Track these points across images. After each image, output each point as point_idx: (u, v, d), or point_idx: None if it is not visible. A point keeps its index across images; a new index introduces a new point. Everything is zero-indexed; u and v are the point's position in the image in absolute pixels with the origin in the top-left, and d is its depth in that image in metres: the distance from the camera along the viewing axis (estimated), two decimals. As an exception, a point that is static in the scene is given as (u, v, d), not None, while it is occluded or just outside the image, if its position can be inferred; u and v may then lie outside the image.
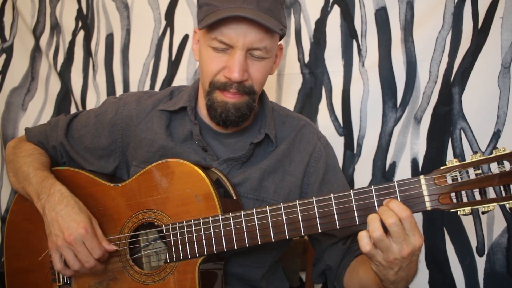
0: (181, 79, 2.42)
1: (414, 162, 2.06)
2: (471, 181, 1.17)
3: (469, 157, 1.18)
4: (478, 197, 1.17)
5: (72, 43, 2.60)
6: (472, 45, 1.93)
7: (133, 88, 2.49)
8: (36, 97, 2.67)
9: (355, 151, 2.17)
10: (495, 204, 1.15)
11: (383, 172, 2.11)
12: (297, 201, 1.33)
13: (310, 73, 2.25)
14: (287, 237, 1.35)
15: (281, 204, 1.35)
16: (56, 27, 2.63)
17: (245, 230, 1.38)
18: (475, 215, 1.93)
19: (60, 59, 2.61)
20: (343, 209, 1.29)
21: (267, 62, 1.51)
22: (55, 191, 1.50)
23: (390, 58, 2.11)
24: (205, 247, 1.42)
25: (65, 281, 1.58)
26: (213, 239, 1.41)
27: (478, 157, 1.17)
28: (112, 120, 1.66)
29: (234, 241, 1.39)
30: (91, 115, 1.71)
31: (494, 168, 1.15)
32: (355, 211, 1.27)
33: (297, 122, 1.68)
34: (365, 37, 2.16)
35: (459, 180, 1.19)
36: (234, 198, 1.51)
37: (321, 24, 2.22)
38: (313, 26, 2.23)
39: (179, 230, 1.45)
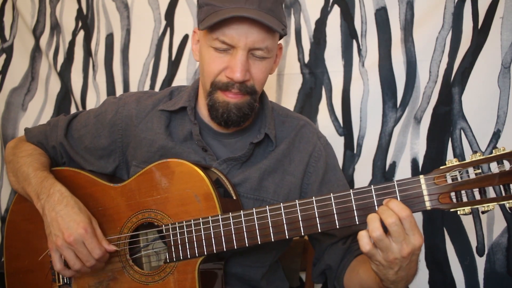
0: (181, 79, 2.42)
1: (414, 162, 2.06)
2: (471, 181, 1.17)
3: (469, 156, 1.18)
4: (478, 196, 1.17)
5: (72, 43, 2.60)
6: (472, 45, 1.93)
7: (133, 88, 2.49)
8: (36, 97, 2.67)
9: (355, 151, 2.17)
10: (495, 203, 1.15)
11: (383, 172, 2.11)
12: (296, 201, 1.33)
13: (310, 73, 2.25)
14: (287, 237, 1.35)
15: (281, 204, 1.35)
16: (56, 27, 2.63)
17: (245, 230, 1.38)
18: (475, 215, 1.93)
19: (60, 59, 2.61)
20: (343, 208, 1.28)
21: (268, 62, 1.51)
22: (55, 191, 1.50)
23: (390, 58, 2.11)
24: (204, 247, 1.42)
25: (65, 281, 1.58)
26: (213, 239, 1.41)
27: (478, 156, 1.17)
28: (112, 120, 1.66)
29: (234, 241, 1.39)
30: (91, 115, 1.71)
31: (494, 167, 1.15)
32: (355, 211, 1.27)
33: (297, 122, 1.68)
34: (365, 37, 2.15)
35: (459, 179, 1.18)
36: (234, 198, 1.51)
37: (321, 24, 2.22)
38: (313, 26, 2.23)
39: (179, 230, 1.45)
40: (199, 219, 1.42)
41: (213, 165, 1.56)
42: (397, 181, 1.24)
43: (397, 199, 1.22)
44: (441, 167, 1.20)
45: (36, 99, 2.67)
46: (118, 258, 1.53)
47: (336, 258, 1.57)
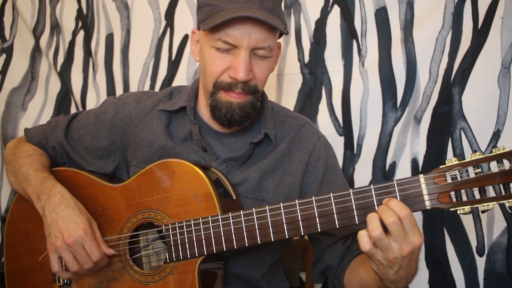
0: (181, 79, 2.42)
1: (414, 162, 2.06)
2: (471, 180, 1.17)
3: (468, 156, 1.18)
4: (477, 196, 1.17)
5: (72, 43, 2.60)
6: (472, 45, 1.93)
7: (133, 88, 2.49)
8: (36, 97, 2.67)
9: (355, 151, 2.17)
10: (495, 202, 1.15)
11: (383, 172, 2.11)
12: (296, 200, 1.33)
13: (310, 73, 2.25)
14: (287, 237, 1.35)
15: (281, 203, 1.35)
16: (56, 27, 2.63)
17: (244, 229, 1.38)
18: (475, 214, 1.93)
19: (60, 59, 2.62)
20: (343, 208, 1.28)
21: (270, 61, 1.51)
22: (56, 192, 1.50)
23: (390, 58, 2.11)
24: (204, 247, 1.42)
25: (65, 282, 1.58)
26: (212, 239, 1.41)
27: (478, 155, 1.16)
28: (112, 120, 1.66)
29: (234, 240, 1.39)
30: (91, 115, 1.71)
31: (494, 167, 1.15)
32: (355, 210, 1.27)
33: (297, 121, 1.67)
34: (365, 37, 2.16)
35: (459, 179, 1.18)
36: (234, 198, 1.51)
37: (321, 24, 2.22)
38: (313, 26, 2.23)
39: (178, 230, 1.45)
40: (199, 219, 1.42)
41: (213, 165, 1.56)
42: (396, 180, 1.23)
43: (397, 198, 1.22)
44: (440, 167, 1.20)
45: (36, 99, 2.67)
46: (118, 258, 1.53)
47: (336, 257, 1.57)
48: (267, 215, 1.36)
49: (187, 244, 1.44)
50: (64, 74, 2.60)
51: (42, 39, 2.64)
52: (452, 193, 1.19)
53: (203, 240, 1.41)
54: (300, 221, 1.33)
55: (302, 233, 1.34)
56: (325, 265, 1.60)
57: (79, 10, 2.59)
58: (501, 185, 1.15)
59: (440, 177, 1.20)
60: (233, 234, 1.39)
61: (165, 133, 1.61)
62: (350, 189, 1.28)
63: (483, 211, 1.17)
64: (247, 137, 1.62)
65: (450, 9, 1.99)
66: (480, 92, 1.92)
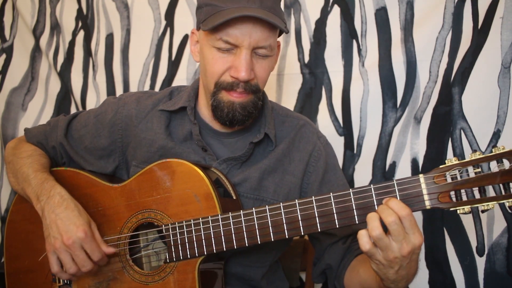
0: (181, 79, 2.42)
1: (414, 162, 2.06)
2: (471, 180, 1.17)
3: (468, 155, 1.18)
4: (477, 195, 1.17)
5: (72, 43, 2.60)
6: (472, 45, 1.93)
7: (133, 88, 2.49)
8: (36, 97, 2.67)
9: (355, 151, 2.17)
10: (495, 202, 1.15)
11: (383, 172, 2.11)
12: (296, 200, 1.33)
13: (310, 73, 2.25)
14: (287, 237, 1.35)
15: (281, 203, 1.35)
16: (56, 27, 2.63)
17: (244, 229, 1.38)
18: (475, 214, 1.93)
19: (60, 59, 2.62)
20: (343, 208, 1.28)
21: (271, 60, 1.52)
22: (55, 193, 1.50)
23: (390, 58, 2.11)
24: (204, 247, 1.42)
25: (65, 282, 1.58)
26: (212, 239, 1.41)
27: (478, 155, 1.16)
28: (112, 120, 1.66)
29: (234, 240, 1.39)
30: (91, 115, 1.71)
31: (494, 166, 1.15)
32: (355, 210, 1.27)
33: (297, 121, 1.67)
34: (365, 37, 2.16)
35: (459, 178, 1.18)
36: (234, 197, 1.51)
37: (321, 24, 2.22)
38: (313, 26, 2.23)
39: (178, 230, 1.45)
40: (199, 219, 1.42)
41: (213, 165, 1.56)
42: (396, 180, 1.23)
43: (397, 198, 1.22)
44: (440, 166, 1.20)
45: (36, 99, 2.67)
46: (118, 258, 1.53)
47: (336, 257, 1.57)
48: (267, 215, 1.36)
49: (187, 244, 1.44)
50: (64, 74, 2.60)
51: (42, 39, 2.64)
52: (452, 193, 1.19)
53: (203, 240, 1.41)
54: (300, 221, 1.33)
55: (302, 233, 1.34)
56: (325, 265, 1.60)
57: (79, 10, 2.59)
58: (501, 185, 1.15)
59: (440, 177, 1.20)
60: (233, 234, 1.39)
61: (165, 133, 1.61)
62: (350, 189, 1.28)
63: (483, 211, 1.17)
64: (247, 137, 1.62)
65: (450, 9, 1.99)
66: (480, 92, 1.92)
